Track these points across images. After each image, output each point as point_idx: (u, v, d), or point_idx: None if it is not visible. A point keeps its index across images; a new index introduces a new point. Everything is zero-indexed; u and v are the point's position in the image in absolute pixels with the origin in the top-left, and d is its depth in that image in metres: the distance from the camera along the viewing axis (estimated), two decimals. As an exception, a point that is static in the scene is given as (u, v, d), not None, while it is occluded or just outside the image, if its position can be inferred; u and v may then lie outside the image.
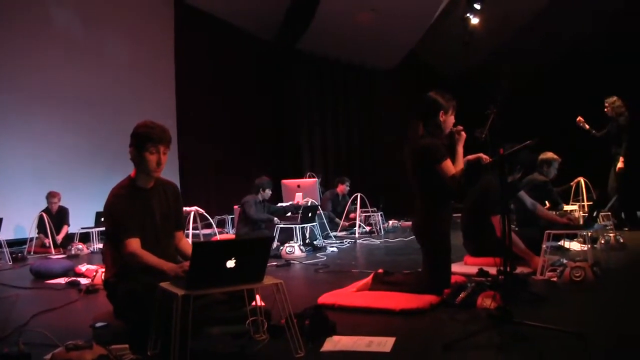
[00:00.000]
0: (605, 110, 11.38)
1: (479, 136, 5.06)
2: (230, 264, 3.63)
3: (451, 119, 5.66)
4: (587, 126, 11.50)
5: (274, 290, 3.85)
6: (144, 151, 4.53)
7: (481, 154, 5.62)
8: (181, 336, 3.52)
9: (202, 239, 10.78)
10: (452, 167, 5.39)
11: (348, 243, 11.45)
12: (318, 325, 4.29)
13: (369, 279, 5.92)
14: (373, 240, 11.77)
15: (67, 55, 14.28)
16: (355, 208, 13.05)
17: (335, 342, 4.12)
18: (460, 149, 5.56)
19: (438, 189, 5.54)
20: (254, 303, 4.34)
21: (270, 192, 11.41)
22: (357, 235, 12.52)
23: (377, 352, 3.91)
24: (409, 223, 13.57)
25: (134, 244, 4.44)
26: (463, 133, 5.57)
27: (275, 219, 10.94)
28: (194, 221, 10.28)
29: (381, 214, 13.58)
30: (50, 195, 12.43)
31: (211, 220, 10.85)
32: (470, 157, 5.73)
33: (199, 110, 17.64)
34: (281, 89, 20.38)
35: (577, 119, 11.56)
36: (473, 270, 6.39)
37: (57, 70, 14.00)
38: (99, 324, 4.61)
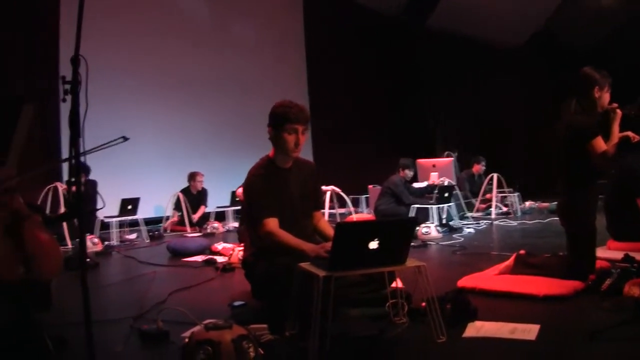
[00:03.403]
0: None
1: (629, 113, 4.83)
2: (373, 245, 3.57)
3: (606, 96, 5.37)
4: None
5: (416, 272, 3.76)
6: (282, 131, 4.53)
7: (629, 132, 5.36)
8: (321, 318, 3.48)
9: (338, 219, 10.81)
10: (604, 144, 5.14)
11: (484, 224, 11.22)
12: (460, 309, 4.19)
13: (510, 261, 5.75)
14: (510, 221, 11.47)
15: (195, 38, 14.65)
16: (491, 188, 12.80)
17: (478, 328, 4.01)
18: (615, 128, 5.27)
19: (586, 169, 5.31)
20: (393, 285, 4.28)
21: (412, 174, 11.34)
22: (493, 216, 12.27)
23: (522, 339, 3.77)
24: (546, 204, 13.22)
25: (272, 223, 4.45)
26: (619, 111, 5.28)
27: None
28: (331, 200, 10.30)
29: (518, 195, 13.26)
30: (195, 175, 12.71)
31: (347, 200, 10.86)
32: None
33: (330, 91, 17.70)
34: (412, 67, 20.16)
35: None
36: (617, 255, 6.07)
37: (187, 53, 14.42)
38: (237, 303, 4.66)
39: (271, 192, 4.56)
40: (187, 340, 3.45)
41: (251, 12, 16.12)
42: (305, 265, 3.82)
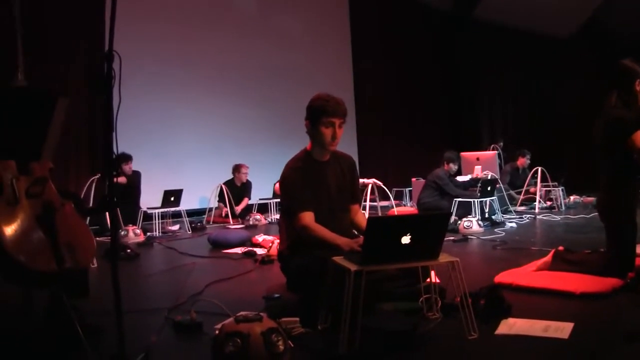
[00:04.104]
0: None
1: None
2: (406, 240, 3.55)
3: None
4: None
5: (449, 268, 3.75)
6: (319, 124, 4.50)
7: None
8: (352, 311, 3.49)
9: (379, 212, 10.80)
10: None
11: (527, 218, 11.13)
12: (493, 305, 4.16)
13: (548, 257, 5.69)
14: (553, 216, 11.37)
15: (241, 30, 14.72)
16: (536, 182, 12.68)
17: (511, 325, 3.98)
18: None
19: (625, 164, 5.22)
20: (428, 280, 4.27)
21: (456, 168, 11.29)
22: (536, 210, 12.15)
23: (554, 338, 3.73)
24: (591, 199, 13.06)
25: (308, 217, 4.45)
26: None
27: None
28: (372, 193, 10.28)
29: (562, 189, 13.12)
30: (239, 167, 12.77)
31: (389, 193, 10.83)
32: None
33: (375, 83, 17.72)
34: (457, 59, 20.08)
35: None
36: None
37: (232, 45, 14.49)
38: (271, 296, 4.68)
39: (308, 185, 4.56)
40: (217, 332, 3.48)
41: (297, 3, 16.16)
42: (338, 259, 3.82)
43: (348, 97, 16.48)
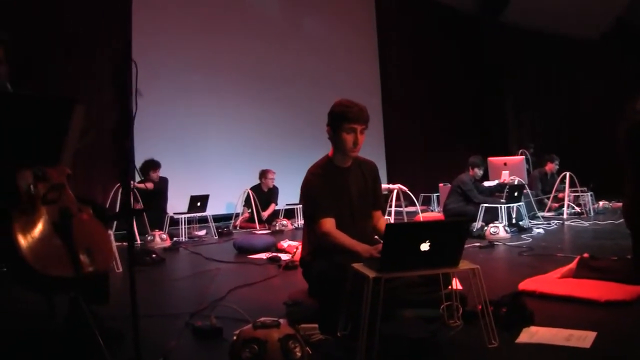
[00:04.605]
0: None
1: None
2: (425, 247, 3.53)
3: None
4: None
5: (470, 275, 3.71)
6: (340, 130, 4.49)
7: None
8: (371, 319, 3.47)
9: (405, 218, 10.76)
10: None
11: (555, 224, 11.03)
12: (515, 314, 4.11)
13: (573, 264, 5.62)
14: (582, 221, 11.27)
15: (266, 34, 14.79)
16: (564, 187, 12.57)
17: (532, 334, 3.93)
18: None
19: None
20: (449, 287, 4.24)
21: (481, 173, 11.21)
22: (565, 216, 12.05)
23: (576, 347, 3.67)
24: (620, 204, 12.93)
25: (329, 223, 4.43)
26: None
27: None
28: (397, 199, 10.25)
29: (591, 194, 13.01)
30: (266, 173, 12.79)
31: (414, 198, 10.80)
32: None
33: (403, 88, 17.71)
34: (484, 63, 19.96)
35: None
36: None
37: (258, 49, 14.56)
38: (292, 302, 4.67)
39: (329, 191, 4.54)
40: (235, 337, 3.48)
41: (323, 7, 16.21)
42: (357, 265, 3.80)
43: (375, 102, 16.50)
